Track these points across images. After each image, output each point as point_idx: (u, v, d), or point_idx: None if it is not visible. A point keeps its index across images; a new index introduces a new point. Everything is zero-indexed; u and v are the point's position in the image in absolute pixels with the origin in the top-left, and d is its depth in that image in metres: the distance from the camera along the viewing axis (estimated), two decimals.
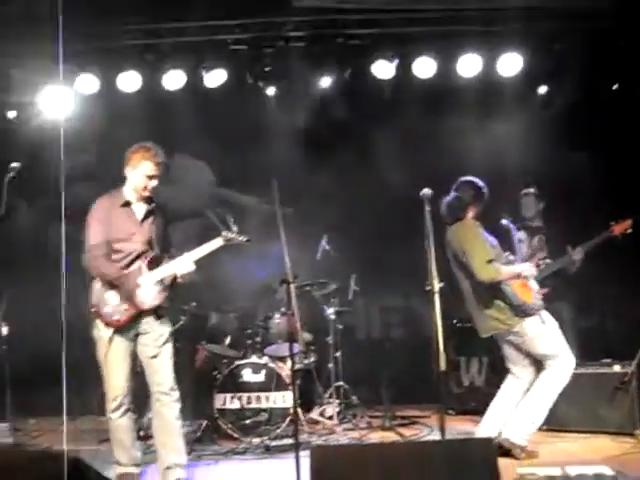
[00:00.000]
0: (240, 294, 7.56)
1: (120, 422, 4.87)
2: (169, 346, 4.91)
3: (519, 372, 5.59)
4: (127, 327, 4.83)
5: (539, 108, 7.89)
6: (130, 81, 7.60)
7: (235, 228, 4.90)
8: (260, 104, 8.12)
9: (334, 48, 7.49)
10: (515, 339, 5.47)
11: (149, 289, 4.82)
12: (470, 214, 5.62)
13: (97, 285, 4.88)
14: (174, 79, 7.60)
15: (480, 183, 5.65)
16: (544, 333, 5.40)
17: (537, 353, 5.44)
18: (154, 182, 4.96)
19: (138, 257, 4.88)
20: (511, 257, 5.59)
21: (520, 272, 5.45)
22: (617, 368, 6.14)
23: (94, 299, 4.87)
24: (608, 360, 6.27)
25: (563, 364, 5.41)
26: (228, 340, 6.89)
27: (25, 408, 7.03)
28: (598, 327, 7.54)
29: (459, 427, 6.53)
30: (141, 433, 6.36)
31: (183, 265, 4.86)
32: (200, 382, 7.27)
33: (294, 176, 7.69)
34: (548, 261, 6.61)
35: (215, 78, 7.56)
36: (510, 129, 7.83)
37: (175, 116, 8.00)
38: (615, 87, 7.76)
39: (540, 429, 6.22)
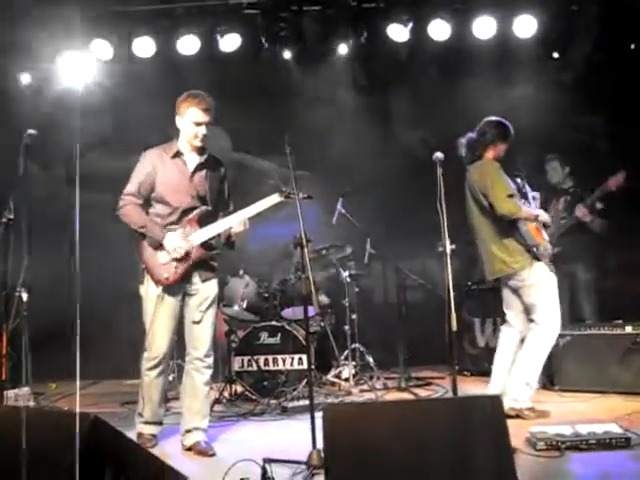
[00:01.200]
0: (257, 257, 7.63)
1: (156, 381, 4.94)
2: (212, 312, 4.94)
3: (512, 319, 5.62)
4: (176, 286, 4.81)
5: (555, 71, 7.83)
6: (145, 47, 7.64)
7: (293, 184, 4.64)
8: (275, 68, 8.13)
9: (348, 11, 7.47)
10: (515, 283, 5.49)
11: (195, 246, 4.78)
12: (491, 153, 5.60)
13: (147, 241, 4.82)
14: (188, 44, 7.63)
15: (505, 122, 5.62)
16: (544, 283, 5.43)
17: (529, 302, 5.46)
18: (202, 129, 4.85)
19: (187, 211, 4.82)
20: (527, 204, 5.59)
21: (538, 214, 5.49)
22: (629, 329, 6.18)
23: (144, 255, 4.81)
24: (620, 321, 6.31)
25: (548, 324, 5.40)
26: (245, 304, 6.97)
27: (45, 372, 7.16)
28: (612, 288, 7.53)
29: (474, 388, 6.62)
30: None
31: (236, 222, 4.80)
32: (217, 345, 7.39)
33: (310, 140, 7.72)
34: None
35: (230, 43, 7.59)
36: (526, 92, 7.80)
37: (190, 81, 8.00)
38: (632, 47, 7.69)
39: (552, 389, 6.34)
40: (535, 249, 5.40)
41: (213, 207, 4.93)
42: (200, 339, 4.89)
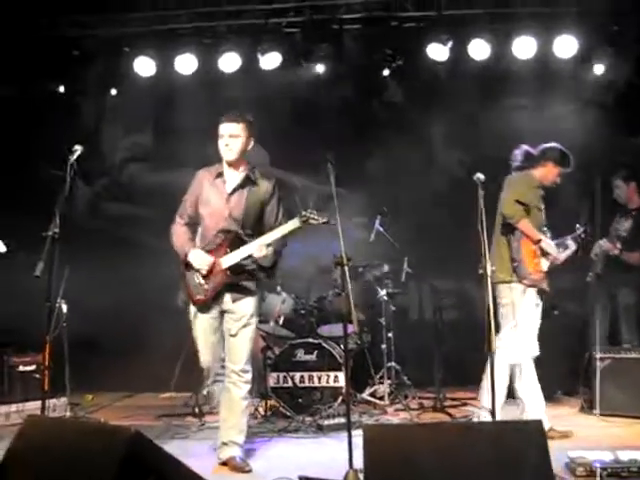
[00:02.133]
0: (294, 274, 7.65)
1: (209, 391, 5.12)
2: (250, 328, 4.92)
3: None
4: (209, 305, 4.87)
5: (596, 91, 7.77)
6: (187, 63, 7.73)
7: (314, 209, 4.67)
8: (314, 86, 8.17)
9: (388, 31, 7.50)
10: (498, 294, 5.43)
11: (222, 269, 4.81)
12: (540, 171, 5.58)
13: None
14: (230, 61, 7.71)
15: (568, 153, 5.62)
16: (516, 306, 5.36)
17: (502, 320, 5.41)
18: (224, 140, 4.87)
19: (223, 233, 4.85)
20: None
21: (541, 239, 5.40)
22: None
23: (185, 275, 4.92)
24: None
25: (504, 348, 5.32)
26: (281, 320, 6.99)
27: (82, 384, 7.24)
28: None
29: (507, 411, 6.55)
30: (195, 410, 6.53)
31: (255, 249, 4.75)
32: (254, 361, 7.41)
33: (349, 158, 7.74)
34: None
35: (270, 61, 7.65)
36: (566, 113, 7.76)
37: (230, 98, 8.10)
38: None
39: (591, 413, 6.26)
40: (515, 265, 5.35)
41: (252, 228, 4.90)
42: (236, 353, 4.90)
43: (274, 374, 6.56)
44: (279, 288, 7.09)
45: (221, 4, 7.55)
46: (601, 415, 6.22)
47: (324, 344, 6.52)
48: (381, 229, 7.22)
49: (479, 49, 7.41)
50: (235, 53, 7.68)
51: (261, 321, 6.96)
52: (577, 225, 5.68)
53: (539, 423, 3.15)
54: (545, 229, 5.54)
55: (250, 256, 4.80)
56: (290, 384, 6.50)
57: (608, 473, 4.21)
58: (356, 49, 7.66)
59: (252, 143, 5.00)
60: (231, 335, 4.90)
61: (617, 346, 6.64)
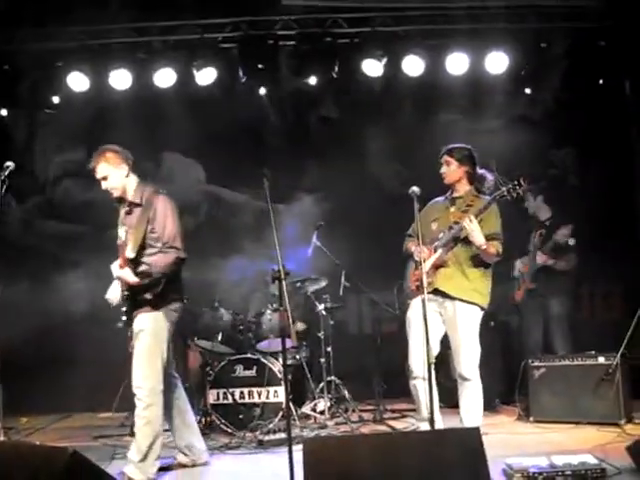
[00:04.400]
0: (232, 290, 7.62)
1: None
2: (139, 344, 4.88)
3: None
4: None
5: (526, 106, 7.98)
6: (121, 79, 7.65)
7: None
8: (250, 102, 8.19)
9: (323, 47, 7.56)
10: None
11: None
12: None
13: None
14: (165, 77, 7.65)
15: None
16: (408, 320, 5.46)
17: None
18: (102, 185, 5.02)
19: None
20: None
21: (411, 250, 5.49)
22: (602, 360, 6.23)
23: None
24: (593, 352, 6.37)
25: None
26: (220, 336, 6.94)
27: (17, 406, 7.07)
28: (583, 320, 7.64)
29: (449, 420, 6.62)
30: (133, 429, 6.43)
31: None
32: (193, 378, 7.34)
33: (285, 172, 7.78)
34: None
35: (206, 76, 7.63)
36: (497, 126, 7.95)
37: (166, 114, 8.06)
38: (601, 82, 7.87)
39: (527, 420, 6.38)
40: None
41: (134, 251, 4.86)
42: (133, 368, 4.91)
43: (214, 390, 6.52)
44: (217, 304, 7.05)
45: (156, 19, 7.50)
46: (536, 422, 6.36)
47: (263, 359, 6.50)
48: (318, 243, 7.24)
49: (413, 65, 7.52)
50: (170, 68, 7.63)
51: (200, 337, 6.94)
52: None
53: (476, 430, 3.20)
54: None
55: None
56: (230, 400, 6.46)
57: (544, 477, 4.29)
58: (291, 64, 7.69)
59: (126, 169, 5.03)
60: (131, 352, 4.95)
61: (550, 355, 6.78)
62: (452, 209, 5.49)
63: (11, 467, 3.01)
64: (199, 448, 5.29)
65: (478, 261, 5.32)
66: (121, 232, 4.91)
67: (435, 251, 5.36)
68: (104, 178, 4.97)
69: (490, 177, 5.46)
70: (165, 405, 4.99)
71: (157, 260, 4.85)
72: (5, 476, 3.00)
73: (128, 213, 5.01)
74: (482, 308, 5.36)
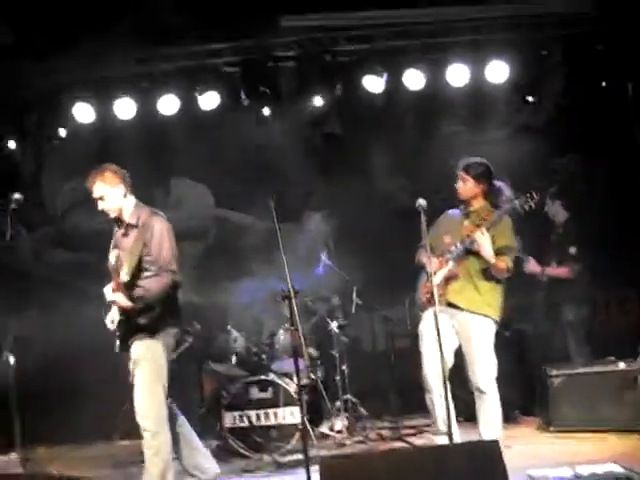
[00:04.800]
0: (244, 313, 7.61)
1: None
2: (139, 373, 4.83)
3: None
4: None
5: (528, 114, 7.96)
6: (125, 108, 7.68)
7: None
8: (255, 124, 8.21)
9: (323, 65, 7.58)
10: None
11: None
12: None
13: None
14: (168, 104, 7.67)
15: None
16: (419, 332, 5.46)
17: None
18: (99, 205, 4.95)
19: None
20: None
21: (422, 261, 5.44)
22: (622, 365, 6.18)
23: None
24: (612, 358, 6.30)
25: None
26: (234, 359, 6.92)
27: (33, 437, 7.06)
28: (601, 327, 7.57)
29: (467, 434, 6.56)
30: None
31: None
32: (208, 402, 7.32)
33: (292, 193, 7.79)
34: None
35: (209, 101, 7.63)
36: (500, 136, 7.94)
37: (172, 140, 8.10)
38: (603, 84, 7.84)
39: (547, 430, 6.31)
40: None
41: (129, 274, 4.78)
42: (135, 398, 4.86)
43: (229, 414, 6.47)
44: (229, 327, 7.04)
45: (156, 47, 7.54)
46: (557, 432, 6.28)
47: (278, 380, 6.47)
48: (328, 262, 7.24)
49: (414, 79, 7.51)
50: (173, 95, 7.65)
51: (214, 361, 6.92)
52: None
53: (495, 443, 3.16)
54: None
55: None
56: (246, 423, 6.42)
57: None
58: (293, 85, 7.72)
59: (123, 189, 4.96)
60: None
61: (569, 363, 6.72)
62: (466, 222, 5.47)
63: None
64: (207, 467, 5.19)
65: (489, 274, 5.29)
66: (111, 256, 4.84)
67: (447, 263, 5.34)
68: (100, 198, 4.89)
69: (507, 192, 5.45)
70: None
71: (152, 284, 4.77)
72: None
73: (124, 235, 4.95)
74: (495, 321, 5.32)
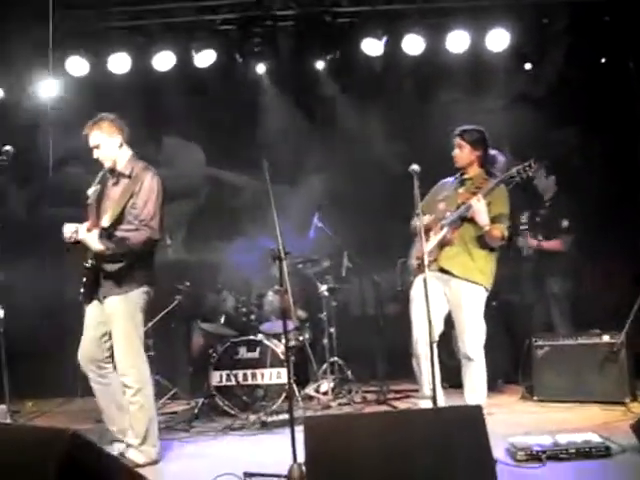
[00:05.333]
0: (234, 273, 7.62)
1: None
2: (117, 330, 4.82)
3: None
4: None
5: (528, 83, 7.92)
6: (120, 63, 7.61)
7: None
8: (250, 83, 8.15)
9: (322, 27, 7.50)
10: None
11: None
12: None
13: None
14: (164, 60, 7.62)
15: None
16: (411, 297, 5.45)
17: None
18: (94, 153, 4.91)
19: None
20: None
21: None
22: (606, 338, 6.22)
23: None
24: (597, 330, 6.35)
25: None
26: (223, 319, 6.94)
27: (21, 390, 7.09)
28: (587, 299, 7.61)
29: (452, 401, 6.61)
30: None
31: None
32: (196, 360, 7.36)
33: (285, 153, 7.75)
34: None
35: (205, 58, 7.58)
36: (499, 104, 7.89)
37: (166, 97, 8.03)
38: (603, 61, 7.80)
39: (531, 399, 6.38)
40: None
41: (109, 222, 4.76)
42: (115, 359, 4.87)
43: (217, 372, 6.51)
44: (219, 287, 7.05)
45: (153, 2, 7.44)
46: (540, 401, 6.35)
47: (266, 341, 6.50)
48: (320, 224, 7.23)
49: (413, 44, 7.47)
50: (169, 51, 7.59)
51: (203, 320, 6.94)
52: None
53: (478, 408, 3.19)
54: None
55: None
56: (233, 382, 6.46)
57: (547, 456, 4.28)
58: (291, 45, 7.66)
59: (119, 139, 4.94)
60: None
61: (553, 334, 6.76)
62: (461, 190, 5.48)
63: (11, 449, 3.00)
64: None
65: (483, 242, 5.30)
66: (91, 191, 4.77)
67: (441, 230, 5.35)
68: (96, 146, 4.86)
69: (501, 158, 5.44)
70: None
71: (130, 234, 4.72)
72: (3, 458, 3.00)
73: (115, 184, 4.92)
74: (486, 289, 5.34)
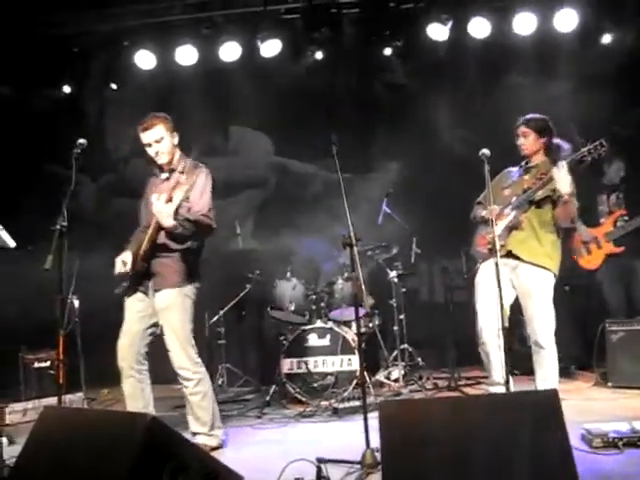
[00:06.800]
0: (303, 261, 7.67)
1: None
2: (171, 322, 4.86)
3: None
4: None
5: (596, 64, 7.72)
6: (187, 55, 7.73)
7: None
8: (316, 72, 8.17)
9: (388, 12, 7.47)
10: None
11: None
12: None
13: None
14: (230, 51, 7.71)
15: None
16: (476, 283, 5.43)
17: None
18: (151, 150, 4.92)
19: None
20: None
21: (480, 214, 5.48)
22: None
23: None
24: None
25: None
26: (293, 306, 6.99)
27: (98, 378, 7.27)
28: None
29: (524, 387, 6.55)
30: None
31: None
32: (267, 348, 7.44)
33: (353, 142, 7.75)
34: (626, 219, 6.64)
35: (270, 48, 7.64)
36: (568, 87, 7.73)
37: (232, 87, 8.11)
38: None
39: (605, 385, 6.27)
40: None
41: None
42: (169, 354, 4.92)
43: (288, 360, 6.56)
44: (289, 274, 7.10)
45: None
46: (615, 387, 6.24)
47: (336, 328, 6.53)
48: (389, 211, 7.23)
49: (479, 27, 7.39)
50: (235, 42, 7.67)
51: (273, 308, 7.01)
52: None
53: (554, 392, 3.14)
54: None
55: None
56: (304, 369, 6.51)
57: (624, 443, 4.21)
58: (356, 32, 7.65)
59: (177, 138, 5.00)
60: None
61: (629, 318, 6.62)
62: (526, 177, 5.40)
63: (93, 433, 3.10)
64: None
65: (551, 227, 5.23)
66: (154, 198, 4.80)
67: (508, 214, 5.30)
68: (158, 140, 4.89)
69: (566, 146, 5.33)
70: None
71: (195, 218, 4.76)
72: (86, 442, 3.09)
73: (166, 179, 4.96)
74: (554, 274, 5.27)
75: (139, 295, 4.94)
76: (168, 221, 4.60)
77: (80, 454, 3.01)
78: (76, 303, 6.63)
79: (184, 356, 4.84)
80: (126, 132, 8.97)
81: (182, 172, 4.86)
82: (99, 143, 8.75)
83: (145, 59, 7.80)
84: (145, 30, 7.74)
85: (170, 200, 4.62)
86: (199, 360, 4.93)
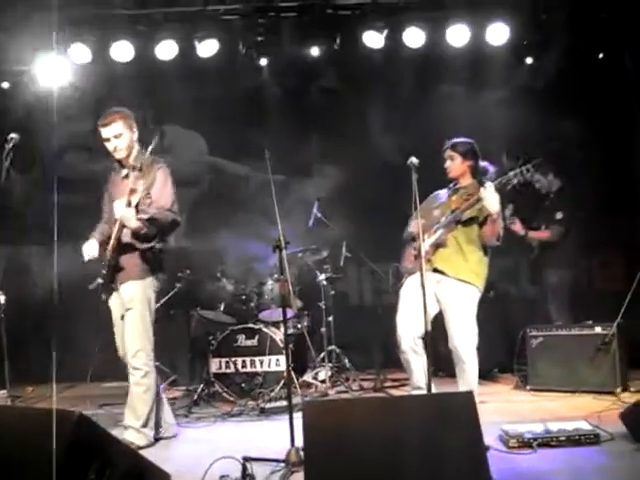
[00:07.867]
0: (234, 261, 7.70)
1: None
2: (132, 313, 4.96)
3: None
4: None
5: (526, 77, 7.97)
6: (123, 51, 7.65)
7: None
8: (252, 74, 8.20)
9: (324, 18, 7.55)
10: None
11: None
12: None
13: None
14: (166, 49, 7.65)
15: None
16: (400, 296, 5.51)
17: None
18: (110, 144, 4.99)
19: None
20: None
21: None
22: (599, 329, 6.33)
23: None
24: (590, 322, 6.45)
25: None
26: (222, 306, 7.03)
27: (22, 376, 7.17)
28: (585, 291, 7.70)
29: (447, 388, 6.70)
30: None
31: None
32: (195, 347, 7.44)
33: (286, 144, 7.80)
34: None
35: (207, 48, 7.61)
36: (498, 98, 7.95)
37: (168, 86, 8.07)
38: (600, 56, 7.86)
39: (524, 389, 6.48)
40: None
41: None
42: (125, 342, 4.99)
43: (216, 359, 6.61)
44: (219, 274, 7.12)
45: None
46: (533, 390, 6.47)
47: (265, 329, 6.59)
48: (319, 214, 7.31)
49: (414, 37, 7.51)
50: (172, 40, 7.63)
51: (202, 307, 7.03)
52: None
53: (470, 394, 3.27)
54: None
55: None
56: (232, 369, 6.56)
57: (538, 443, 4.39)
58: (293, 36, 7.70)
59: (136, 134, 5.10)
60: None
61: (549, 325, 6.85)
62: (454, 198, 5.52)
63: (19, 430, 3.10)
64: (168, 422, 5.32)
65: (477, 245, 5.35)
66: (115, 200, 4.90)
67: (435, 232, 5.41)
68: (116, 136, 4.95)
69: (491, 169, 5.48)
70: None
71: (158, 216, 4.88)
72: (12, 439, 3.09)
73: (125, 177, 5.03)
74: (478, 289, 5.35)
75: (115, 293, 5.05)
76: (132, 223, 4.73)
77: (6, 450, 3.01)
78: (2, 300, 6.54)
79: (139, 345, 4.94)
80: (59, 126, 8.87)
81: (140, 169, 4.91)
82: (31, 137, 8.59)
83: (80, 53, 7.68)
84: (82, 22, 7.60)
85: (129, 204, 4.70)
86: (152, 355, 5.03)
